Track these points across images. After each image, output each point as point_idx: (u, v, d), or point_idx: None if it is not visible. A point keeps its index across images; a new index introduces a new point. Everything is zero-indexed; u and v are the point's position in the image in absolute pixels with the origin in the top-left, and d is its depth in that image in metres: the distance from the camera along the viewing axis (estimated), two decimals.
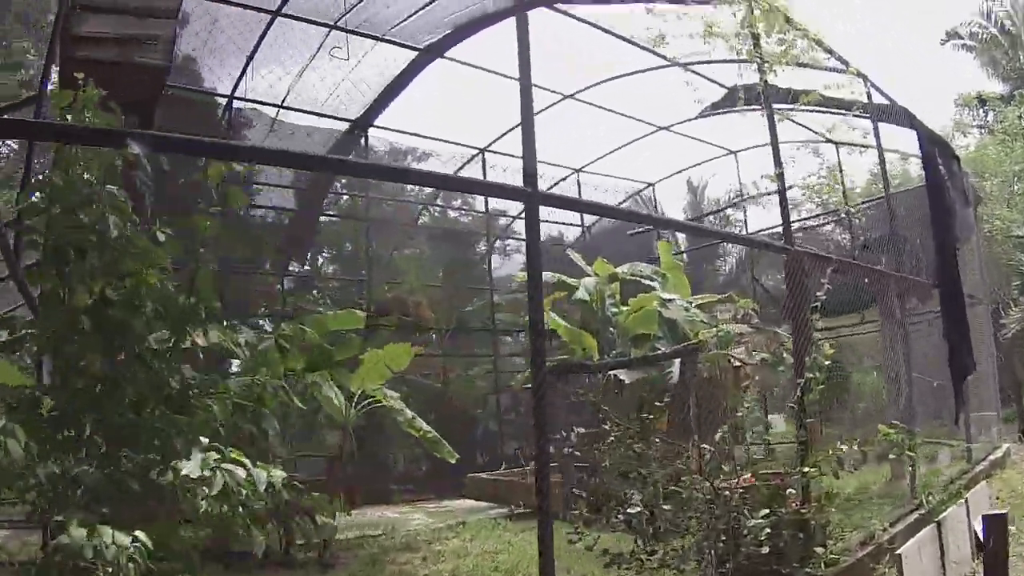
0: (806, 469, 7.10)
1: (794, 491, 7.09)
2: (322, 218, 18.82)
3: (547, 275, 16.01)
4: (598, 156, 19.20)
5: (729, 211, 28.07)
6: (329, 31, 14.17)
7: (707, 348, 13.41)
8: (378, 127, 16.72)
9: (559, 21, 13.06)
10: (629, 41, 14.46)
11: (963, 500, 8.86)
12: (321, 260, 20.03)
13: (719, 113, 16.61)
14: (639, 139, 18.30)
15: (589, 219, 20.92)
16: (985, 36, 33.44)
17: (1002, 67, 33.28)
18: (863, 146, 21.42)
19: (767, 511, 6.61)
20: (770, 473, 7.69)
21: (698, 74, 15.29)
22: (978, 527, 9.00)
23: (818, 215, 21.08)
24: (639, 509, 6.79)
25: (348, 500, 10.13)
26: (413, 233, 19.05)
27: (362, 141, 16.72)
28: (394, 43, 14.60)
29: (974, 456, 13.19)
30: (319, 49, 14.86)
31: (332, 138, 16.70)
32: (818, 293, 8.35)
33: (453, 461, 11.69)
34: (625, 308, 14.31)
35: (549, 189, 19.41)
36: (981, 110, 30.70)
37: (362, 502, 12.68)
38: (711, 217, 20.59)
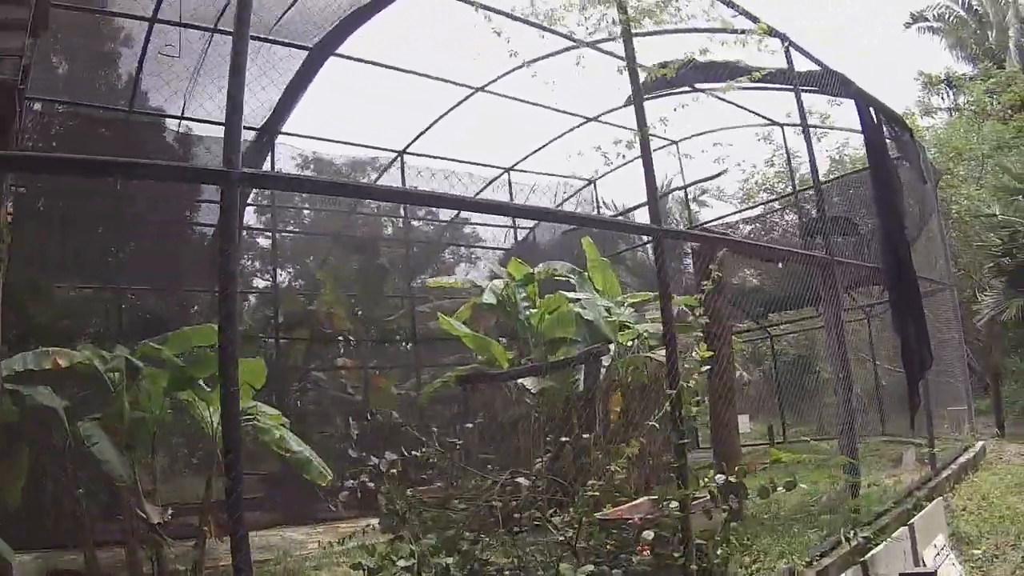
0: (674, 504, 5.24)
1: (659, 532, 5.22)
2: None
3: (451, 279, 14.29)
4: (529, 152, 17.31)
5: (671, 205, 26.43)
6: (211, 35, 12.51)
7: (626, 351, 11.61)
8: (288, 134, 15.00)
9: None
10: (527, 22, 12.65)
11: (907, 525, 6.93)
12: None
13: (650, 98, 14.80)
14: (568, 132, 16.40)
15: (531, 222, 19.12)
16: (952, 17, 31.85)
17: (970, 47, 31.67)
18: (814, 127, 19.62)
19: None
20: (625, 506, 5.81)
21: (611, 54, 13.54)
22: (928, 557, 7.13)
23: (767, 203, 19.24)
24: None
25: (216, 524, 8.91)
26: (330, 243, 17.20)
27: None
28: (281, 43, 12.86)
29: (940, 460, 11.25)
30: (205, 53, 13.21)
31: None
32: (704, 282, 6.55)
33: (324, 484, 9.85)
34: (534, 311, 12.48)
35: (479, 192, 17.73)
36: (949, 92, 28.93)
37: (286, 522, 12.46)
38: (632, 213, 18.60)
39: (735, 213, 20.57)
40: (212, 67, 12.89)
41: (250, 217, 18.06)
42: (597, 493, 5.20)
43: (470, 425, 10.45)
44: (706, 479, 5.32)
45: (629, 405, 11.29)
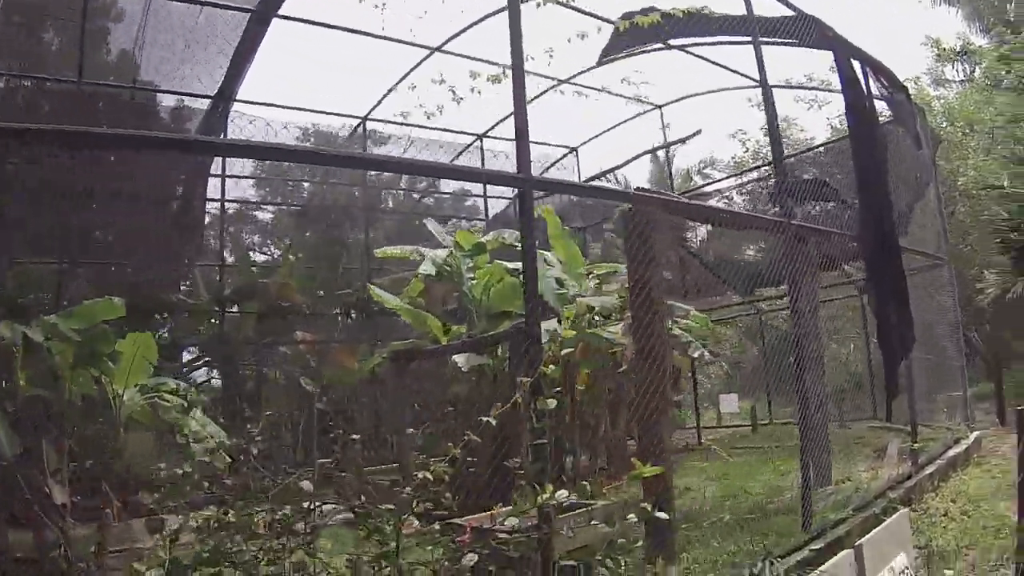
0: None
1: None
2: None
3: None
4: (498, 120, 15.82)
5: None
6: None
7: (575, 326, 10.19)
8: (244, 101, 13.68)
9: None
10: None
11: (854, 548, 5.45)
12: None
13: (620, 58, 13.26)
14: (539, 96, 14.87)
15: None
16: None
17: (987, 19, 29.49)
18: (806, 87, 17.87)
19: None
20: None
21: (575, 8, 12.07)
22: None
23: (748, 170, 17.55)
24: None
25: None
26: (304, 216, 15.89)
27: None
28: (218, 5, 11.52)
29: (927, 454, 9.74)
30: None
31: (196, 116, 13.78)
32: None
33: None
34: (474, 282, 11.09)
35: (454, 159, 16.31)
36: (963, 64, 26.88)
37: None
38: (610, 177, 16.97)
39: (726, 178, 18.89)
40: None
41: (248, 191, 16.86)
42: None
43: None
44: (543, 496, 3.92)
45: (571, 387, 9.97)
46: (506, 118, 15.66)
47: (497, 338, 9.28)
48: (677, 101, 16.20)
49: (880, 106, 11.83)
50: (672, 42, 12.73)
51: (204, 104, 12.92)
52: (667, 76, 16.38)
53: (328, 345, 14.24)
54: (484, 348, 9.59)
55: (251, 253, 16.47)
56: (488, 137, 16.43)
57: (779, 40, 9.42)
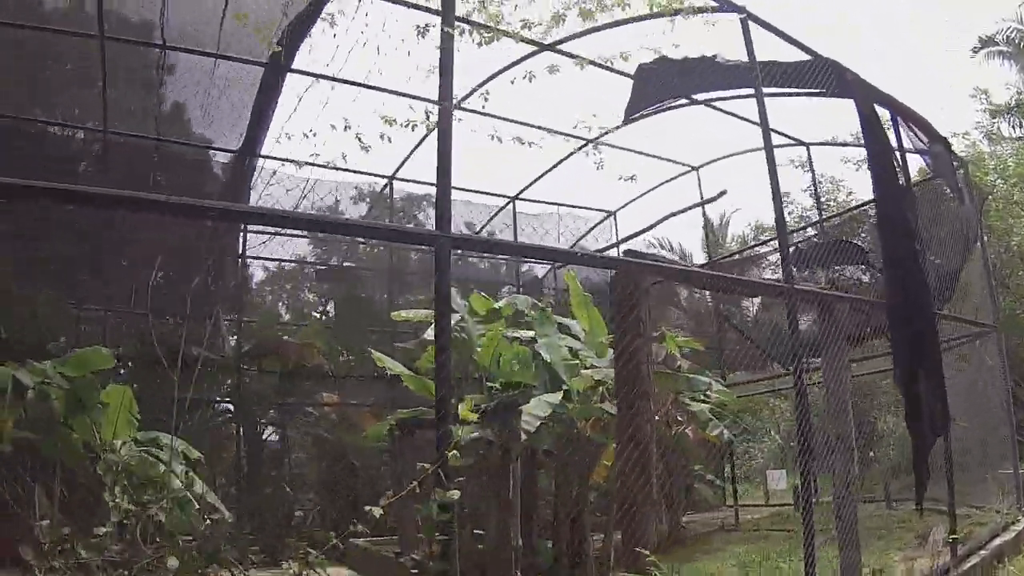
0: None
1: None
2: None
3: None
4: (531, 180, 15.41)
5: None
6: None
7: (587, 400, 9.55)
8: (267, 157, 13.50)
9: None
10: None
11: None
12: None
13: (648, 114, 12.71)
14: (567, 157, 14.41)
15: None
16: (1023, 41, 28.43)
17: None
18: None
19: None
20: None
21: (593, 62, 11.55)
22: None
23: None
24: None
25: None
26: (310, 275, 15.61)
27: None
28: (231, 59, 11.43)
29: (971, 541, 8.74)
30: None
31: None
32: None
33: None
34: (481, 350, 10.51)
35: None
36: (1017, 117, 25.57)
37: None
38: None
39: (758, 245, 17.99)
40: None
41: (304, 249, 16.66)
42: None
43: None
44: None
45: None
46: (539, 177, 15.29)
47: (483, 412, 8.66)
48: (714, 162, 15.54)
49: (915, 161, 11.11)
50: (698, 97, 12.16)
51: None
52: (702, 136, 15.67)
53: (351, 408, 13.85)
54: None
55: (282, 311, 16.18)
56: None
57: (792, 90, 8.84)
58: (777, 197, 7.38)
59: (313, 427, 13.63)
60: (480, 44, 8.16)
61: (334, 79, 10.61)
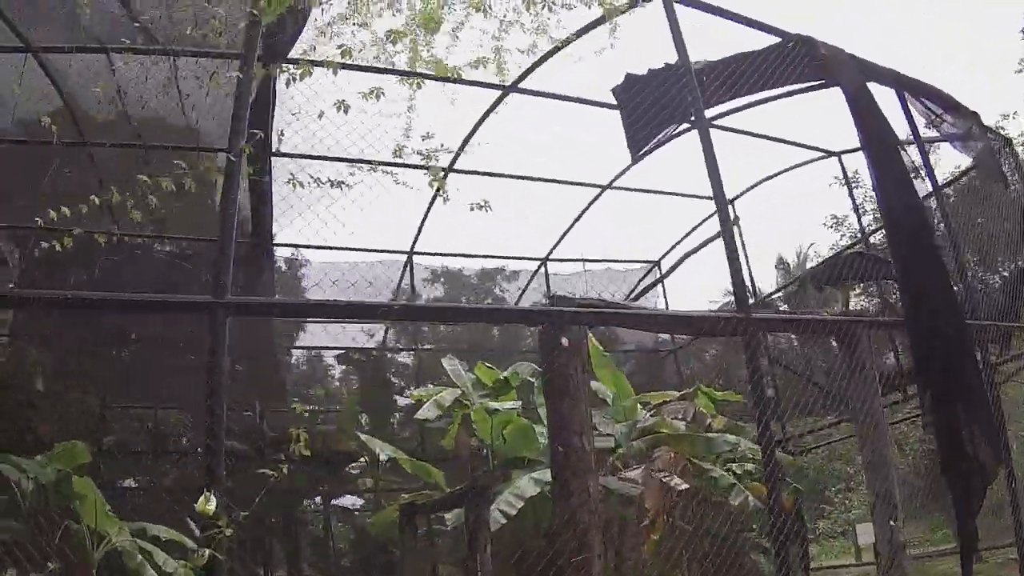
0: None
1: None
2: None
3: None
4: (558, 239, 14.30)
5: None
6: None
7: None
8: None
9: None
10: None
11: None
12: None
13: (657, 147, 11.43)
14: (588, 207, 13.30)
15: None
16: None
17: None
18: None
19: None
20: None
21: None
22: None
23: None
24: None
25: None
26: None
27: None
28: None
29: None
30: None
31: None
32: None
33: None
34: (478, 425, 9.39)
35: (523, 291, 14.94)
36: None
37: None
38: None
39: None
40: None
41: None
42: None
43: None
44: None
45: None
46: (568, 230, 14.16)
47: (453, 499, 7.49)
48: (748, 191, 13.95)
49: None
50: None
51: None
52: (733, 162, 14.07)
53: (391, 494, 12.86)
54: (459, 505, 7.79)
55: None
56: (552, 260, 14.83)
57: (757, 96, 7.49)
58: (716, 180, 6.05)
59: (349, 517, 12.71)
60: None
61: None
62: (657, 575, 9.04)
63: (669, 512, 8.24)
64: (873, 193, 10.19)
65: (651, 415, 10.21)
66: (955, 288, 6.97)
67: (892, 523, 6.77)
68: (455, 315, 11.01)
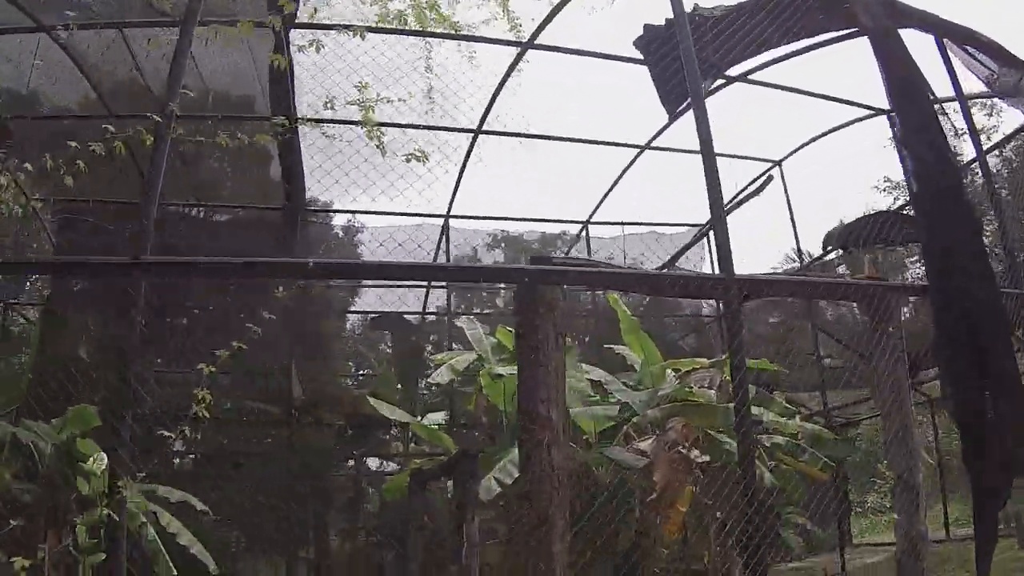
0: None
1: None
2: None
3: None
4: (599, 201, 13.78)
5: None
6: None
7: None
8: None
9: None
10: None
11: None
12: None
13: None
14: (629, 167, 12.72)
15: None
16: None
17: None
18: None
19: None
20: None
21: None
22: None
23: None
24: None
25: None
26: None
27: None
28: None
29: None
30: None
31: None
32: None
33: None
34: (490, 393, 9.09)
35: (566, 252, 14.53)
36: None
37: None
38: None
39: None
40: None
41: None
42: None
43: None
44: None
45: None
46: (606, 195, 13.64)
47: (448, 466, 7.23)
48: (795, 152, 13.09)
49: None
50: (730, 73, 10.10)
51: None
52: (784, 126, 13.18)
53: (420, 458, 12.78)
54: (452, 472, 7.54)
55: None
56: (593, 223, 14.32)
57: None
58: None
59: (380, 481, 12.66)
60: None
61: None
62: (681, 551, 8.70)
63: (683, 485, 7.81)
64: None
65: (676, 382, 9.77)
66: (992, 252, 6.24)
67: (917, 514, 6.21)
68: (436, 273, 10.67)
